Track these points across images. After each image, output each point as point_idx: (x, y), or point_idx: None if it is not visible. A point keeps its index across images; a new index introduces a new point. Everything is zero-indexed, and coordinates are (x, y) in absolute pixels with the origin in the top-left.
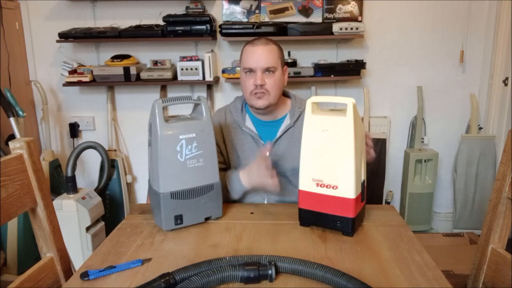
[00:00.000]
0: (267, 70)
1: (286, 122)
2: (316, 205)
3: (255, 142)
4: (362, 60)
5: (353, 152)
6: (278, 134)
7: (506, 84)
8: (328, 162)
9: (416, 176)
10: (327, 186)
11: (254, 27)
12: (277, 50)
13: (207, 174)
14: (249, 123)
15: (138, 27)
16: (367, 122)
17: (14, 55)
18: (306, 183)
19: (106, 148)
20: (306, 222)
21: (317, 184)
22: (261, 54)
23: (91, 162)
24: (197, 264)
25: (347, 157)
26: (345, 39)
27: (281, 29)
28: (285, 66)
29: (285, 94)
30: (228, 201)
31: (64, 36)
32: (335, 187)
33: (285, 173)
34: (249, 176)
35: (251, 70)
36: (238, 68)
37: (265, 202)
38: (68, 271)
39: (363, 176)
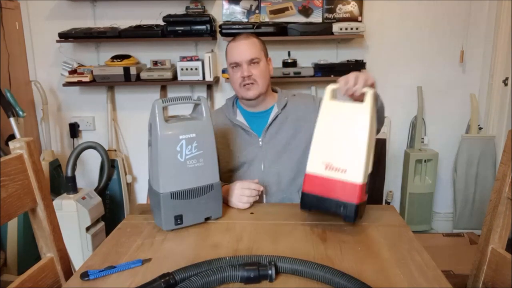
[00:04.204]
0: (252, 61)
1: (275, 110)
2: (322, 188)
3: (247, 134)
4: (362, 60)
5: (367, 138)
6: (269, 122)
7: (506, 84)
8: (340, 146)
9: (416, 176)
10: (336, 169)
11: (254, 27)
12: (258, 42)
13: (207, 174)
14: (239, 117)
15: (138, 27)
16: None
17: (14, 55)
18: (314, 165)
19: (106, 148)
20: (308, 206)
21: (326, 167)
22: (244, 48)
23: (91, 162)
24: (197, 264)
25: (361, 142)
26: (345, 39)
27: (281, 29)
28: (269, 57)
29: (272, 90)
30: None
31: (64, 36)
32: (344, 171)
33: (279, 157)
34: (230, 190)
35: (237, 64)
36: None
37: (264, 202)
38: (68, 271)
39: (370, 168)
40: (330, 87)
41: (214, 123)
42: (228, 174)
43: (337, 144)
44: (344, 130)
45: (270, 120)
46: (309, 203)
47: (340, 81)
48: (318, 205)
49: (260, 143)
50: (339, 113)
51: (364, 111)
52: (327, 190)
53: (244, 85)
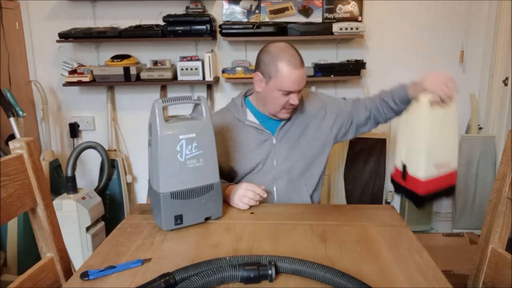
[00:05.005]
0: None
1: None
2: (435, 185)
3: (259, 133)
4: (362, 60)
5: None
6: (282, 122)
7: (506, 84)
8: (443, 146)
9: None
10: (443, 165)
11: (254, 27)
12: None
13: (207, 174)
14: (251, 117)
15: (138, 27)
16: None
17: (14, 55)
18: (429, 170)
19: (106, 148)
20: (425, 203)
21: (436, 167)
22: (302, 78)
23: (91, 162)
24: (197, 264)
25: (454, 137)
26: (345, 39)
27: (281, 29)
28: None
29: None
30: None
31: (64, 36)
32: (447, 164)
33: (292, 156)
34: (235, 188)
35: (289, 92)
36: (238, 68)
37: (275, 195)
38: (68, 271)
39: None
40: (426, 99)
41: (221, 123)
42: (238, 176)
43: (440, 145)
44: (443, 131)
45: (283, 121)
46: (426, 200)
47: (436, 92)
48: (432, 198)
49: (274, 141)
50: (438, 119)
51: (453, 112)
52: (439, 184)
53: (287, 109)
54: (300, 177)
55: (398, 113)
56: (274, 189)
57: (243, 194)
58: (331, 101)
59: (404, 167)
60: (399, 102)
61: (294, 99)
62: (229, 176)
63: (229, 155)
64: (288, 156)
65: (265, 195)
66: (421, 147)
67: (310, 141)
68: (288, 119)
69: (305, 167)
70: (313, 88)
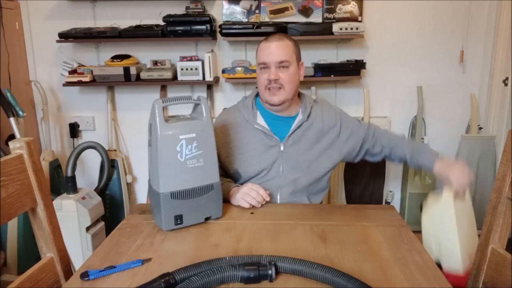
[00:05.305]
0: (281, 64)
1: (299, 117)
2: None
3: (268, 138)
4: (362, 60)
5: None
6: (292, 129)
7: (506, 84)
8: (470, 236)
9: (416, 176)
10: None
11: (254, 27)
12: (291, 45)
13: (207, 174)
14: (260, 120)
15: (138, 27)
16: (367, 122)
17: (14, 55)
18: (466, 262)
19: (106, 148)
20: None
21: (470, 257)
22: (275, 49)
23: (91, 162)
24: (197, 264)
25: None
26: (345, 39)
27: (281, 29)
28: (301, 61)
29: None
30: (228, 201)
31: (64, 36)
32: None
33: (299, 167)
34: (239, 189)
35: (265, 65)
36: (238, 68)
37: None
38: (68, 271)
39: None
40: (451, 196)
41: (229, 123)
42: (242, 178)
43: (469, 235)
44: (466, 221)
45: (294, 127)
46: None
47: (460, 189)
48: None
49: (282, 147)
50: (461, 210)
51: (468, 201)
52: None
53: (269, 88)
54: (304, 189)
55: (409, 165)
56: (278, 196)
57: (247, 192)
58: (347, 118)
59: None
60: (419, 166)
61: (270, 74)
62: (233, 177)
63: (235, 157)
64: (295, 166)
65: (267, 199)
66: (455, 242)
67: (320, 156)
68: (299, 126)
69: (310, 181)
70: (313, 89)
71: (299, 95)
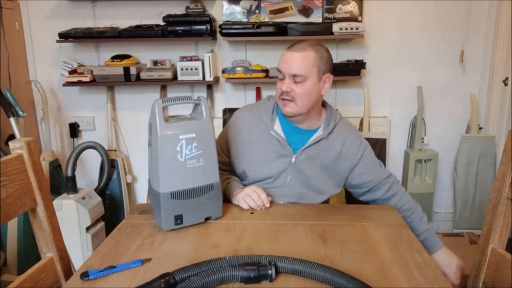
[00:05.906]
0: (295, 79)
1: (319, 132)
2: None
3: (281, 147)
4: (362, 60)
5: None
6: (308, 143)
7: (506, 84)
8: None
9: (416, 176)
10: None
11: (254, 27)
12: (314, 57)
13: (207, 174)
14: (277, 127)
15: (138, 27)
16: (367, 122)
17: (14, 55)
18: None
19: (106, 148)
20: None
21: None
22: (292, 60)
23: (91, 162)
24: (197, 264)
25: None
26: (345, 39)
27: (281, 29)
28: (327, 74)
29: (322, 105)
30: (228, 201)
31: (64, 36)
32: None
33: (307, 183)
34: (243, 190)
35: (281, 74)
36: (238, 68)
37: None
38: (68, 271)
39: None
40: None
41: (248, 122)
42: (248, 180)
43: None
44: None
45: (311, 141)
46: None
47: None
48: None
49: (293, 159)
50: None
51: None
52: None
53: (282, 99)
54: (307, 202)
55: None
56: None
57: (248, 194)
58: (369, 154)
59: None
60: (420, 242)
61: (283, 85)
62: (240, 176)
63: (244, 158)
64: (303, 181)
65: (268, 205)
66: None
67: (328, 180)
68: (316, 142)
69: (315, 198)
70: None
71: (326, 108)
